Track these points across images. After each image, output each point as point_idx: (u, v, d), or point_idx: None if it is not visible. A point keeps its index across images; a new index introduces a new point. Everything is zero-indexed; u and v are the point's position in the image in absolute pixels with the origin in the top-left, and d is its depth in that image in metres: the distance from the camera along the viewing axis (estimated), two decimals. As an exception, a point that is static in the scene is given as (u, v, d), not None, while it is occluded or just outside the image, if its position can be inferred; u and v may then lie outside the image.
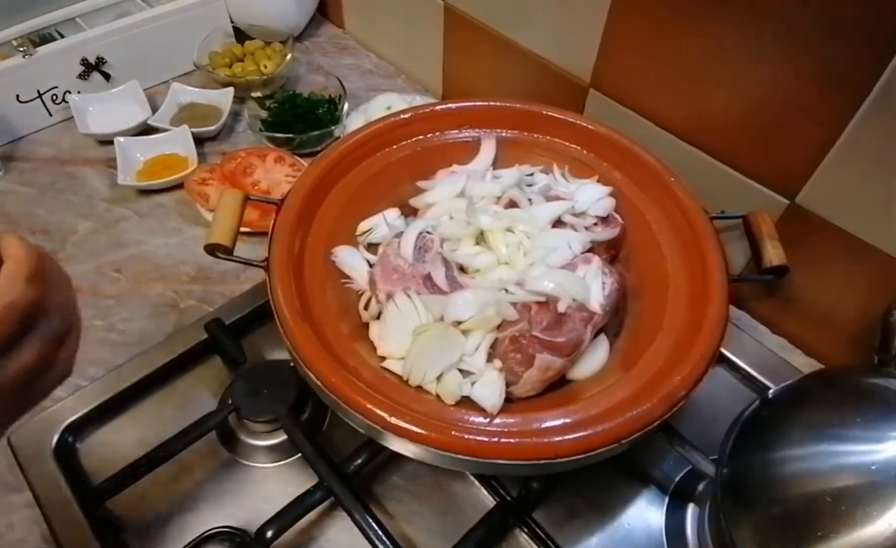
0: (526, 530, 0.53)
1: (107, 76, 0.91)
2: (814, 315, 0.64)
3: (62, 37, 0.90)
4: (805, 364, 0.65)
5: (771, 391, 0.50)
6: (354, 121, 0.86)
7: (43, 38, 0.90)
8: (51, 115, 0.89)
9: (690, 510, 0.55)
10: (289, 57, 0.96)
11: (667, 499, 0.56)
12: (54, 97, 0.88)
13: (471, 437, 0.43)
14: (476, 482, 0.56)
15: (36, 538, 0.52)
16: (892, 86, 0.49)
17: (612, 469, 0.57)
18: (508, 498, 0.54)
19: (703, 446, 0.51)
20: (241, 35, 1.02)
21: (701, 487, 0.56)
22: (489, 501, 0.55)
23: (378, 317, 0.53)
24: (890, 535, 0.36)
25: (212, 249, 0.54)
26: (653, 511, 0.55)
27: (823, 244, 0.59)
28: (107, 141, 0.85)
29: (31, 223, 0.78)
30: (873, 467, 0.37)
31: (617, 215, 0.60)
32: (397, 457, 0.51)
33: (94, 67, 0.89)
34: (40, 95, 0.87)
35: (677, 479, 0.57)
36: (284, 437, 0.57)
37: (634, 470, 0.57)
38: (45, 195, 0.81)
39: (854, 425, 0.40)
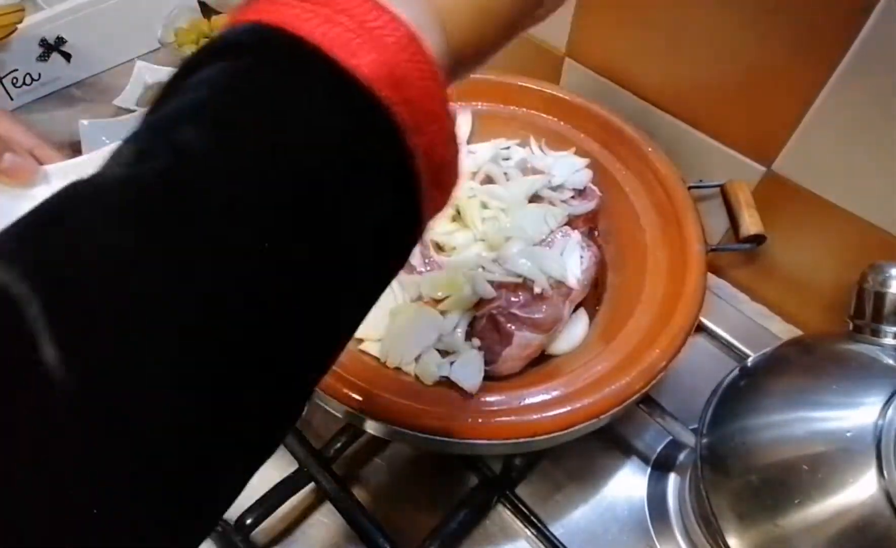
0: (509, 506, 0.53)
1: (67, 57, 0.88)
2: (792, 282, 0.64)
3: (19, 17, 0.86)
4: (784, 331, 0.65)
5: (749, 360, 0.50)
6: (327, 97, 0.84)
7: (-1, 19, 0.87)
8: (12, 99, 0.86)
9: (672, 480, 0.55)
10: (258, 32, 0.93)
11: (649, 470, 0.56)
12: (14, 80, 0.85)
13: (448, 418, 0.43)
14: (459, 461, 0.56)
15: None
16: (864, 52, 0.48)
17: (595, 442, 0.56)
18: (491, 476, 0.54)
19: (685, 415, 0.51)
20: (207, 10, 0.98)
21: (682, 456, 0.56)
22: (473, 479, 0.55)
23: (354, 299, 0.52)
24: (865, 501, 0.36)
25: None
26: (635, 482, 0.55)
27: (800, 211, 0.59)
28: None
29: (-4, 213, 0.75)
30: (848, 434, 0.37)
31: (594, 187, 0.59)
32: (379, 439, 0.51)
33: (53, 48, 0.86)
34: (0, 80, 0.84)
35: (659, 449, 0.57)
36: (263, 423, 0.56)
37: (617, 442, 0.57)
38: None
39: (829, 391, 0.40)
